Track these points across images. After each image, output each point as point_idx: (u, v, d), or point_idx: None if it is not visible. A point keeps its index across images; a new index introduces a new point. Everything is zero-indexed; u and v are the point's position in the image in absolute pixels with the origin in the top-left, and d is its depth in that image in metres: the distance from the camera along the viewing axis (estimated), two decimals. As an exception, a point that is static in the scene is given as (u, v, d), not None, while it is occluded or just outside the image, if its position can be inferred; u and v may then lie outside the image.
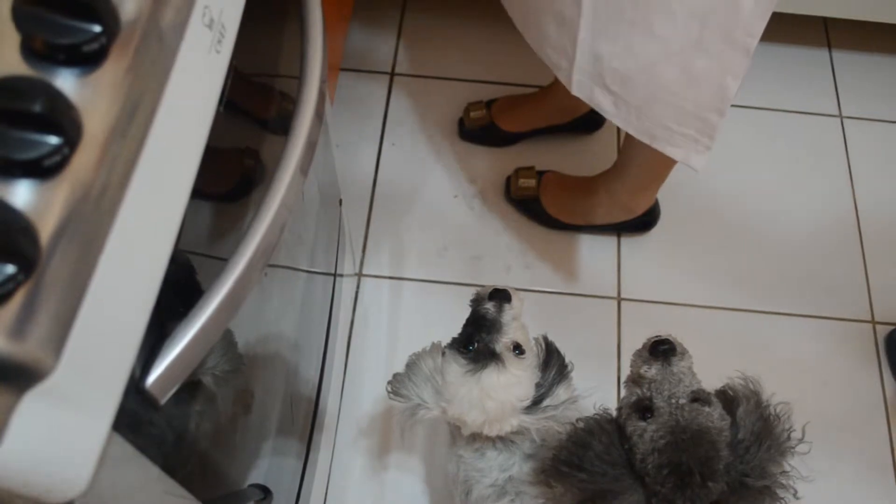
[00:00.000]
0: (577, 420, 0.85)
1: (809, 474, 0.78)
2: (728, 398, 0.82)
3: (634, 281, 1.37)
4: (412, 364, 0.85)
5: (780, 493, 0.76)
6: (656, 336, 0.82)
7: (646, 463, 0.74)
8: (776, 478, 0.77)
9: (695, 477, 0.72)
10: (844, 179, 1.50)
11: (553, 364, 0.85)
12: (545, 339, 0.87)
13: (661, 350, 0.79)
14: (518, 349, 0.82)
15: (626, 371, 0.85)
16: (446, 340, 0.86)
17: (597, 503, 0.76)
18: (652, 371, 0.79)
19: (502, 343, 0.81)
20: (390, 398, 0.84)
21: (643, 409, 0.77)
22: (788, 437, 0.78)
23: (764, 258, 1.41)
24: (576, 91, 0.96)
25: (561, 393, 0.84)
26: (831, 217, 1.46)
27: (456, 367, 0.80)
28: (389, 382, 0.85)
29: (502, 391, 0.80)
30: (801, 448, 0.78)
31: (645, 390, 0.78)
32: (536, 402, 0.83)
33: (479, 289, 0.87)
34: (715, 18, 0.81)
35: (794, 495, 0.77)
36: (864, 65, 1.63)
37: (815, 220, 1.46)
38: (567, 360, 0.87)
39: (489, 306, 0.83)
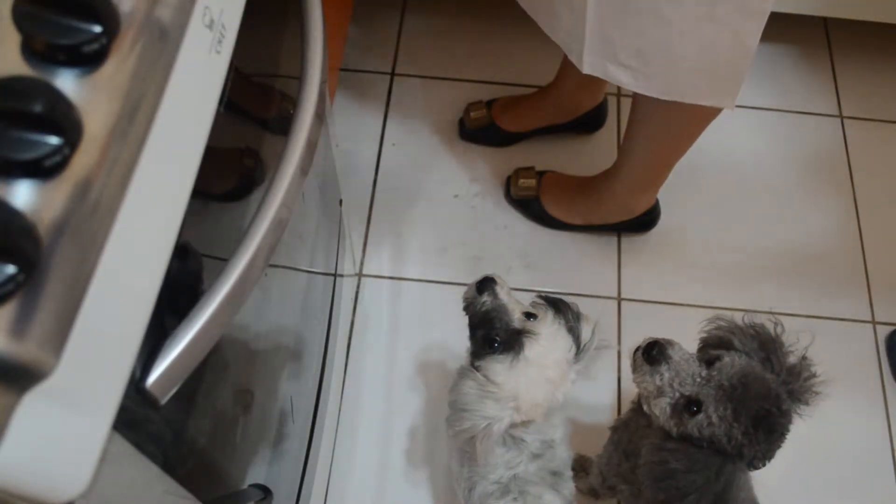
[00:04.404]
0: (611, 429, 0.89)
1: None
2: (716, 344, 0.85)
3: (634, 281, 1.37)
4: (457, 398, 0.83)
5: (812, 371, 0.82)
6: (637, 349, 0.84)
7: (734, 439, 0.76)
8: (801, 364, 0.82)
9: (773, 412, 0.76)
10: (844, 179, 1.50)
11: (563, 309, 0.86)
12: (540, 296, 0.88)
13: (655, 354, 0.81)
14: (530, 316, 0.83)
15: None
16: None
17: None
18: (665, 376, 0.81)
19: (517, 319, 0.82)
20: (457, 438, 0.84)
21: (688, 406, 0.79)
22: (776, 332, 0.84)
23: (764, 258, 1.41)
24: (587, 70, 0.96)
25: (585, 329, 0.85)
26: (831, 217, 1.46)
27: (500, 367, 0.80)
28: (448, 428, 0.84)
29: (550, 353, 0.80)
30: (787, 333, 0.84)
31: (674, 394, 0.80)
32: (577, 346, 0.84)
33: (464, 293, 0.86)
34: None
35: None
36: (864, 65, 1.63)
37: (815, 220, 1.46)
38: (565, 300, 0.88)
39: (484, 298, 0.83)
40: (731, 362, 0.78)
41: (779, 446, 0.79)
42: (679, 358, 0.81)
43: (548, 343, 0.80)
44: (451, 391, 0.85)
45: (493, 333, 0.81)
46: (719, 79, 0.92)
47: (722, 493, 0.76)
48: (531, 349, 0.79)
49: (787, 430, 0.78)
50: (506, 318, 0.81)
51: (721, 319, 0.85)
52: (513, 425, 0.83)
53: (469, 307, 0.85)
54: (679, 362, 0.81)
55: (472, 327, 0.85)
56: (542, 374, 0.80)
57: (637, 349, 0.84)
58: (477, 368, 0.82)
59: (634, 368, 0.85)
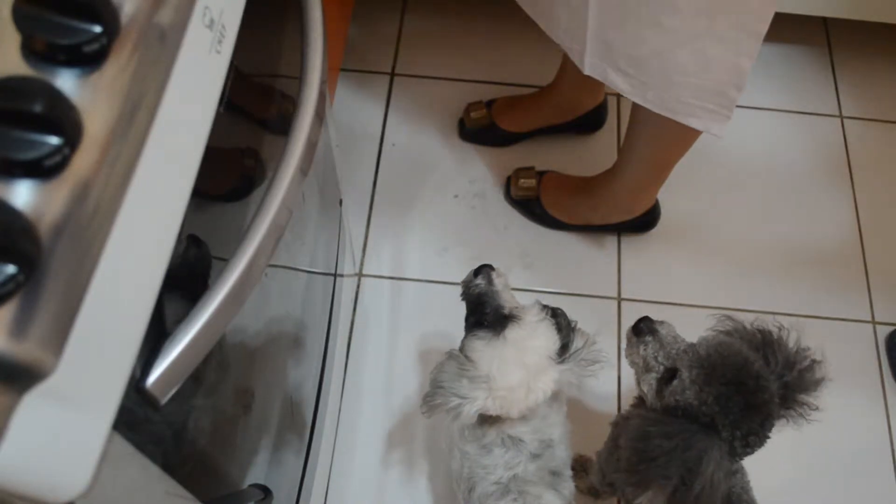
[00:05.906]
0: (612, 425, 0.90)
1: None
2: None
3: (634, 281, 1.37)
4: (437, 375, 0.84)
5: (808, 362, 0.81)
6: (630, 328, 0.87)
7: (706, 404, 0.76)
8: (796, 355, 0.82)
9: (749, 384, 0.76)
10: (844, 179, 1.50)
11: (559, 314, 0.87)
12: (538, 302, 0.89)
13: (643, 327, 0.85)
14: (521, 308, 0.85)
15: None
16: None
17: (688, 482, 0.77)
18: (650, 347, 0.83)
19: (507, 307, 0.84)
20: (429, 415, 0.84)
21: (670, 376, 0.80)
22: (780, 334, 0.84)
23: (764, 258, 1.41)
24: (588, 71, 0.97)
25: (578, 339, 0.86)
26: (831, 217, 1.46)
27: (479, 343, 0.82)
28: (422, 404, 0.85)
29: (531, 340, 0.82)
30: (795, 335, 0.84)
31: (658, 368, 0.82)
32: (564, 349, 0.85)
33: (462, 279, 0.89)
34: (723, 10, 0.83)
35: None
36: (864, 65, 1.63)
37: (815, 220, 1.46)
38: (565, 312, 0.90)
39: (479, 281, 0.86)
40: (714, 336, 0.80)
41: (763, 433, 0.78)
42: (666, 333, 0.84)
43: (530, 328, 0.82)
44: (433, 369, 0.87)
45: (482, 318, 0.84)
46: (712, 101, 0.93)
47: (691, 465, 0.76)
48: (513, 332, 0.81)
49: (771, 413, 0.77)
50: (496, 304, 0.84)
51: (730, 319, 0.86)
52: (485, 418, 0.83)
53: (464, 291, 0.88)
54: (665, 336, 0.83)
55: (467, 316, 0.87)
56: (519, 357, 0.81)
57: (630, 328, 0.87)
58: (461, 350, 0.84)
59: (627, 344, 0.88)
